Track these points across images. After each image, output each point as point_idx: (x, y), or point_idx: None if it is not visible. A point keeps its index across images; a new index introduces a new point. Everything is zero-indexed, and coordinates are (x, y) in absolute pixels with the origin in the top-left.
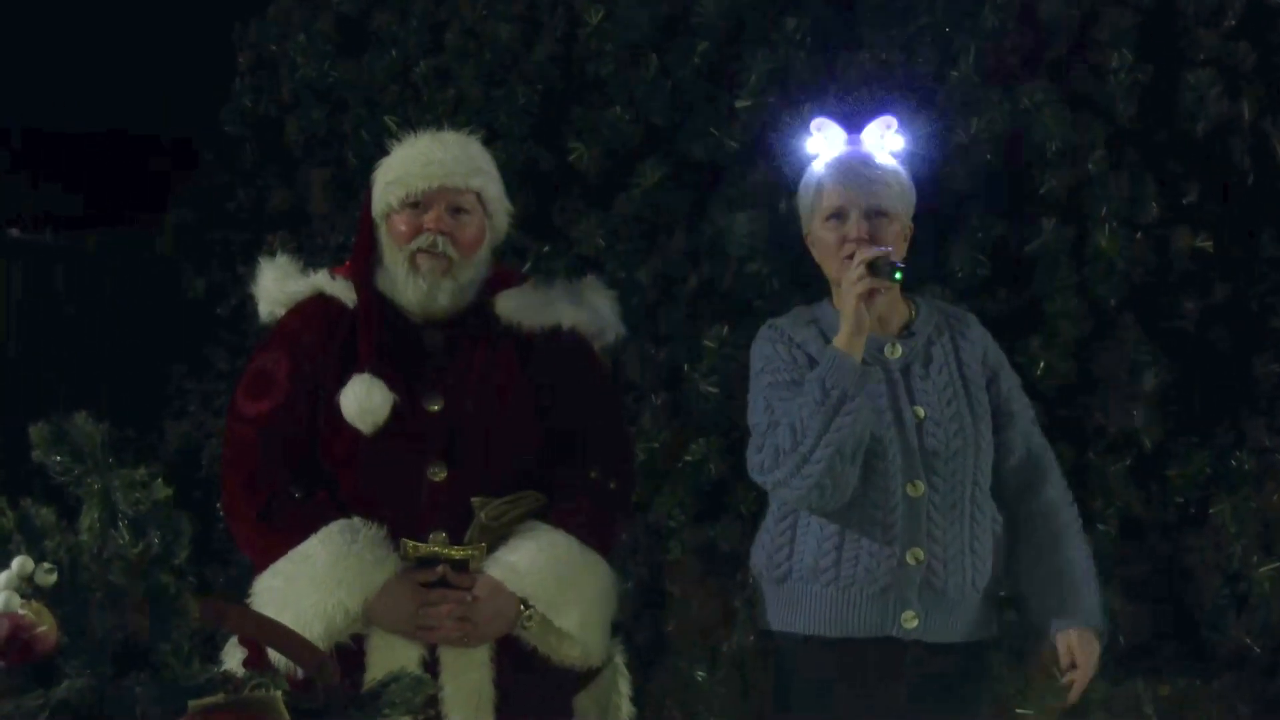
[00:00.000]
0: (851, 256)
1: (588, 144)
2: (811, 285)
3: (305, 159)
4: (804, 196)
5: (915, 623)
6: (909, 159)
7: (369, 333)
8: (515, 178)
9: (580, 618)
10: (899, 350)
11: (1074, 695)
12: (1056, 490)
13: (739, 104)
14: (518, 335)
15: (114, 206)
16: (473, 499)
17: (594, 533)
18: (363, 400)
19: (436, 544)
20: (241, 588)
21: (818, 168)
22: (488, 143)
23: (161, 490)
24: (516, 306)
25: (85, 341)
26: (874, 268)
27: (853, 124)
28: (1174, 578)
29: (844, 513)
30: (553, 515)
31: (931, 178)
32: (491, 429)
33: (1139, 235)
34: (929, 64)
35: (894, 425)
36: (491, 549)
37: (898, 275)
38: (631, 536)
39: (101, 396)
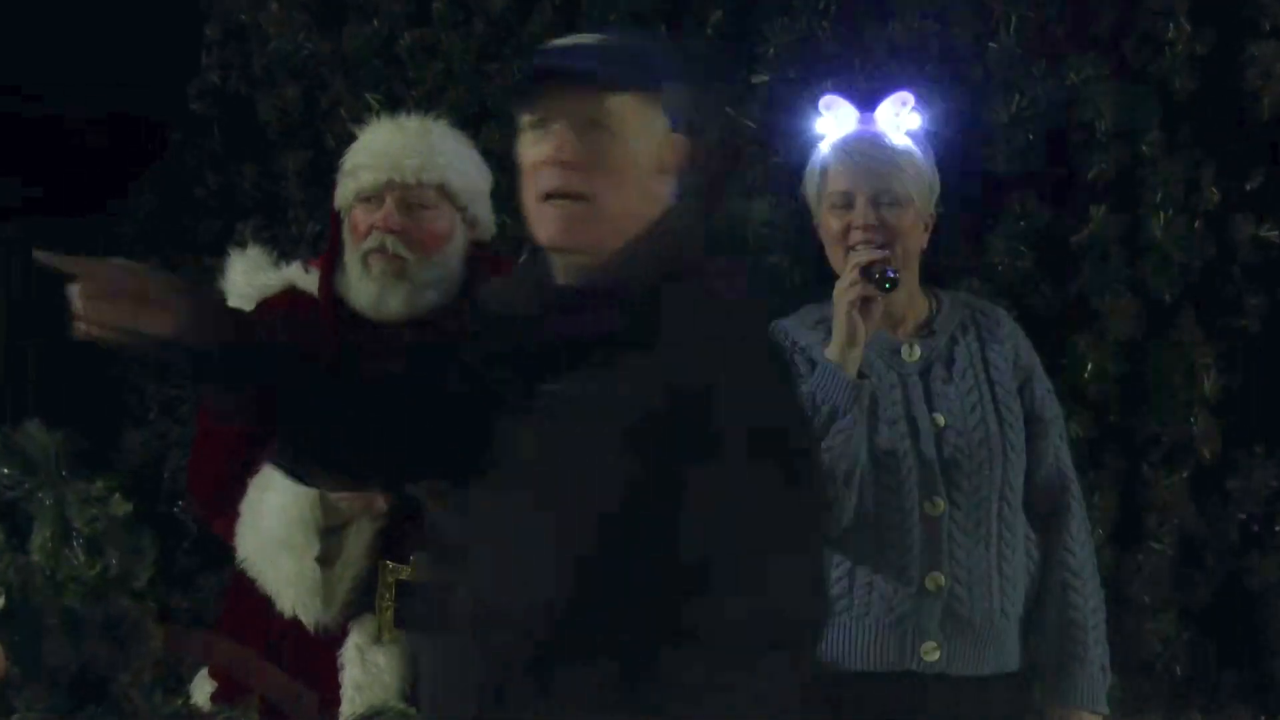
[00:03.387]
0: (856, 249)
1: None
2: (834, 278)
3: (279, 140)
4: (810, 181)
5: (937, 654)
6: (930, 139)
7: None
8: (509, 161)
9: None
10: (917, 351)
11: None
12: (1075, 531)
13: (756, 80)
14: None
15: (67, 193)
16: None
17: None
18: None
19: (417, 565)
20: (209, 612)
21: (824, 149)
22: (479, 122)
23: (120, 506)
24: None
25: (35, 342)
26: (868, 272)
27: (877, 102)
28: (1237, 602)
29: (854, 535)
30: None
31: (968, 160)
32: None
33: (1197, 224)
34: (966, 35)
35: (909, 436)
36: None
37: (888, 286)
38: None
39: (54, 402)
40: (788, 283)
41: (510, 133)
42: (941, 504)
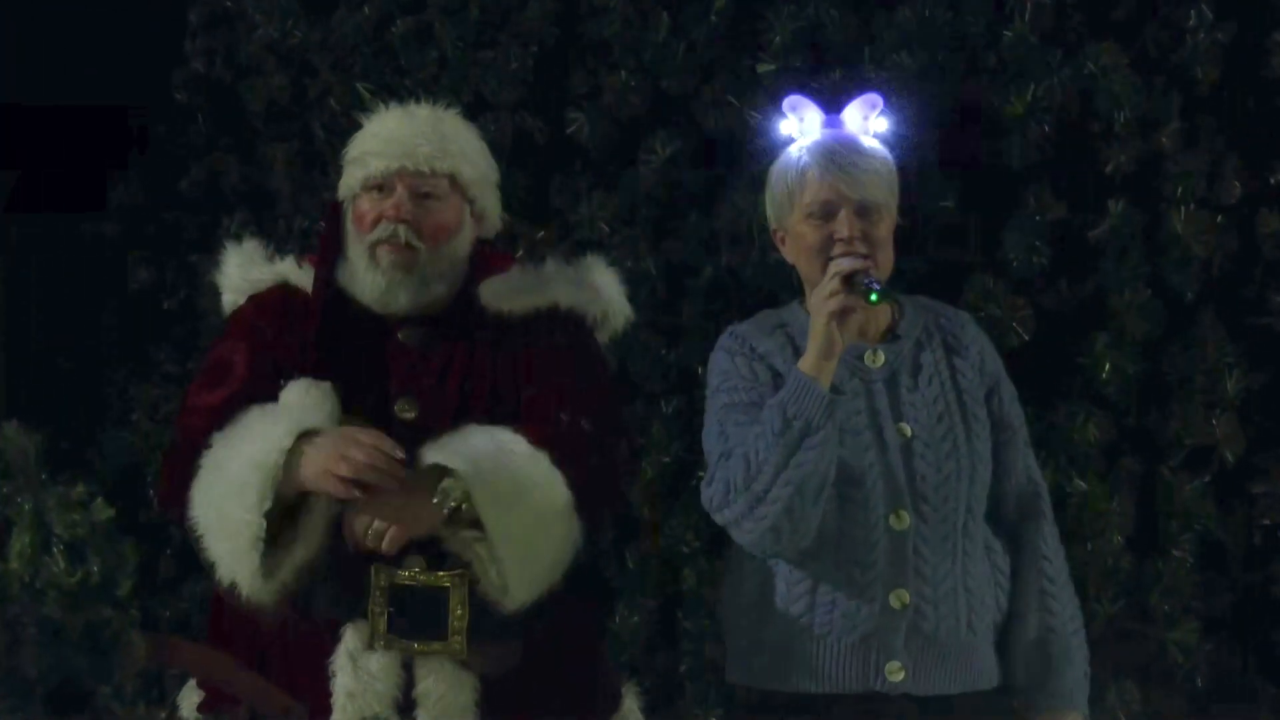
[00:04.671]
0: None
1: (590, 114)
2: None
3: (266, 131)
4: (778, 186)
5: (902, 675)
6: (894, 145)
7: (318, 332)
8: (507, 153)
9: (506, 523)
10: (881, 358)
11: None
12: (1048, 538)
13: (762, 69)
14: (505, 325)
15: (44, 187)
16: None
17: (558, 451)
18: (307, 398)
19: (411, 570)
20: (193, 621)
21: (795, 153)
22: (476, 112)
23: (101, 511)
24: (503, 293)
25: (12, 341)
26: (850, 282)
27: (889, 92)
28: (1260, 611)
29: (817, 550)
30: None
31: (982, 153)
32: None
33: (1219, 218)
34: (979, 23)
35: (874, 447)
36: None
37: (874, 297)
38: (639, 564)
39: (32, 404)
40: (794, 279)
41: (506, 121)
42: (907, 518)
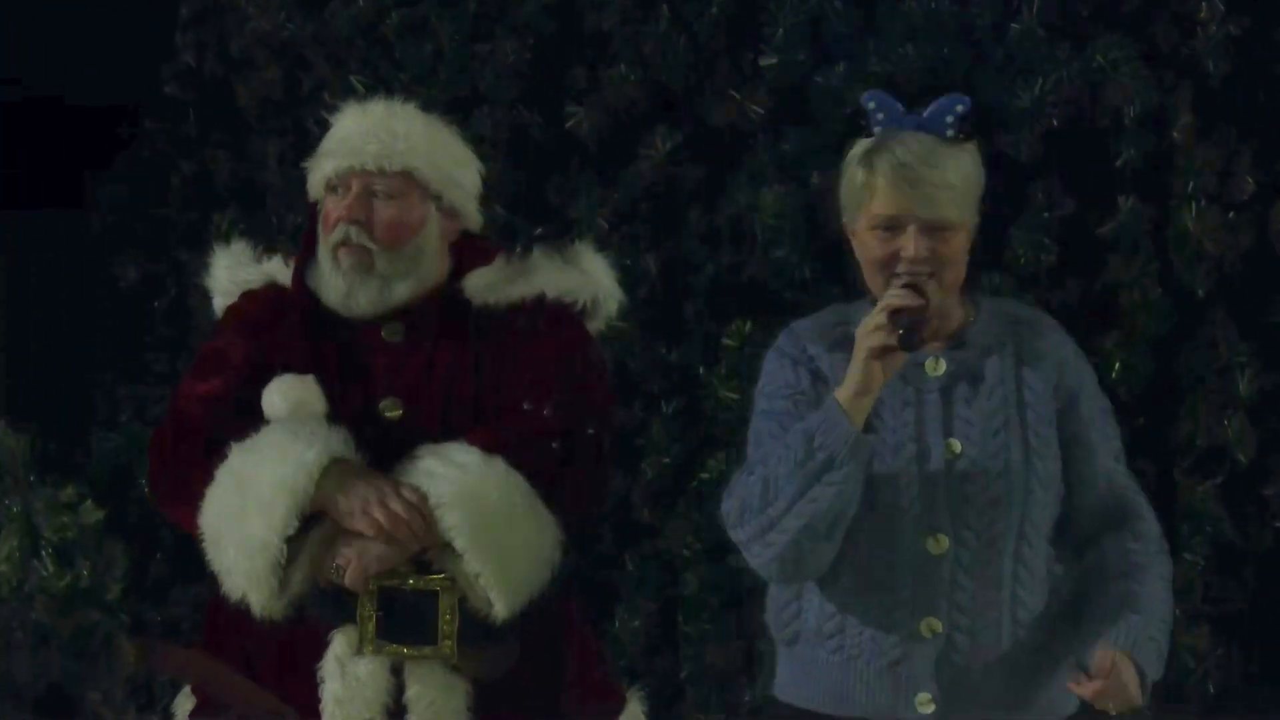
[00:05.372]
0: (895, 284)
1: (588, 109)
2: (849, 273)
3: (258, 126)
4: (849, 183)
5: (931, 707)
6: (978, 149)
7: (299, 336)
8: (503, 148)
9: (475, 539)
10: (943, 366)
11: (1093, 695)
12: (1141, 537)
13: (764, 62)
14: (491, 318)
15: (31, 182)
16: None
17: (513, 452)
18: (289, 399)
19: (399, 573)
20: (184, 626)
21: (865, 154)
22: (472, 107)
23: (91, 513)
24: (488, 284)
25: None
26: (897, 319)
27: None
28: (1273, 614)
29: (849, 567)
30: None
31: (989, 148)
32: (459, 437)
33: (1231, 215)
34: (986, 15)
35: (916, 461)
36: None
37: (909, 348)
38: (638, 568)
39: (20, 405)
40: (798, 277)
41: (502, 116)
42: (945, 541)
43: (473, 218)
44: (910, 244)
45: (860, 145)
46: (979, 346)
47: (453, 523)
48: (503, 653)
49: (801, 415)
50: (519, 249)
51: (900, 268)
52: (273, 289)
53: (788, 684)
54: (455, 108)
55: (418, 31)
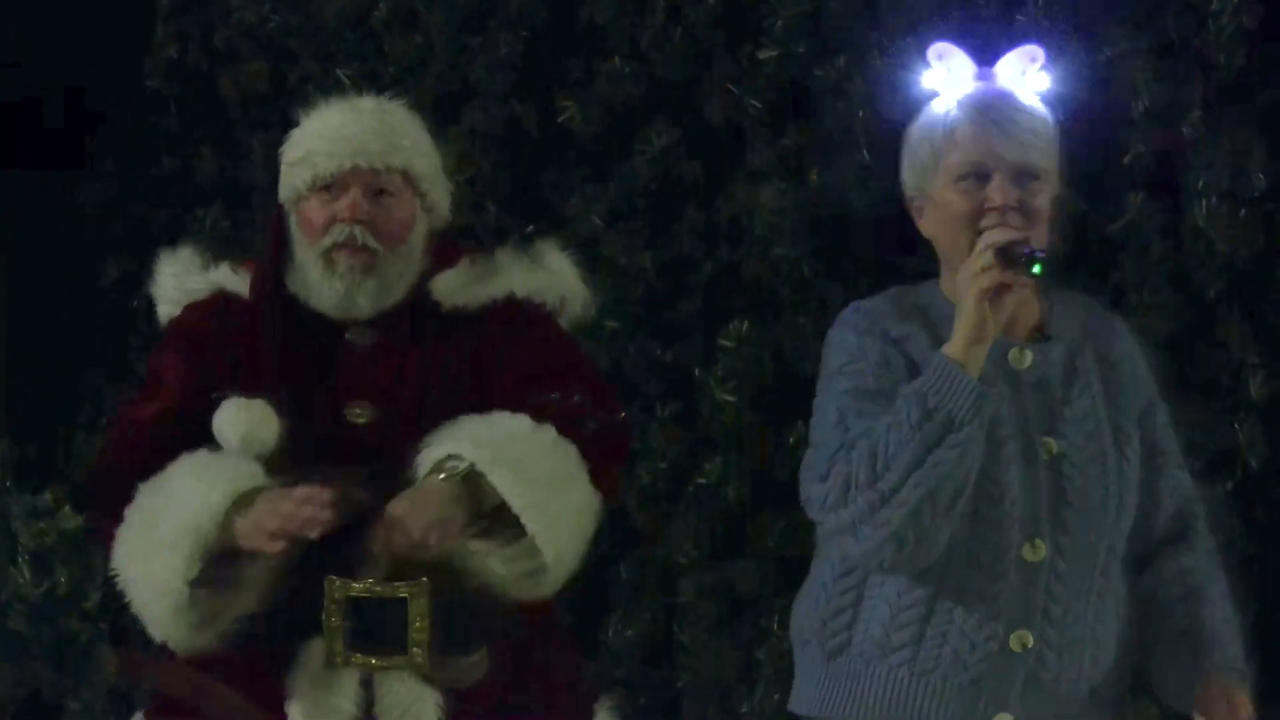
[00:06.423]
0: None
1: (582, 103)
2: (851, 272)
3: (243, 120)
4: (919, 146)
5: None
6: (1056, 105)
7: (262, 342)
8: (495, 143)
9: (527, 492)
10: (1029, 358)
11: None
12: (1198, 554)
13: (762, 55)
14: (460, 320)
15: (9, 177)
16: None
17: (559, 424)
18: (239, 426)
19: (367, 584)
20: None
21: (940, 108)
22: (463, 99)
23: (70, 519)
24: (456, 287)
25: None
26: (1006, 255)
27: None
28: None
29: (936, 572)
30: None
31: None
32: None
33: (1244, 212)
34: (991, 6)
35: (1018, 461)
36: (436, 585)
37: (1037, 268)
38: (634, 574)
39: None
40: (797, 276)
41: (495, 110)
42: (1044, 548)
43: (444, 214)
44: (999, 192)
45: (929, 107)
46: (1063, 340)
47: (503, 476)
48: (475, 661)
49: (895, 392)
50: (484, 249)
51: (987, 220)
52: (220, 298)
53: (823, 698)
54: (446, 102)
55: (407, 23)
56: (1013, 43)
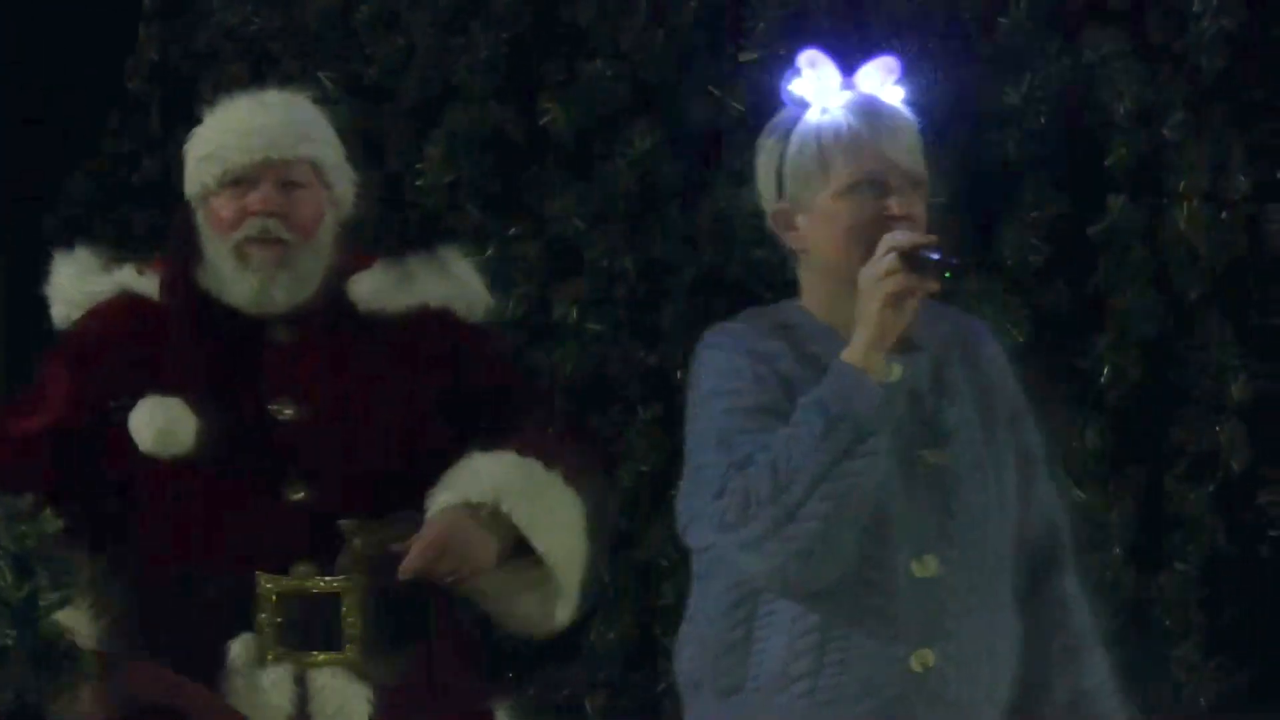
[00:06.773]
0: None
1: (564, 104)
2: None
3: None
4: (802, 154)
5: None
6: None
7: (177, 341)
8: (477, 145)
9: (551, 529)
10: (897, 371)
11: None
12: (1069, 586)
13: (745, 57)
14: (380, 322)
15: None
16: (342, 523)
17: (554, 456)
18: (154, 425)
19: (300, 576)
20: None
21: (820, 118)
22: (445, 101)
23: (51, 522)
24: (374, 290)
25: None
26: (911, 260)
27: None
28: (1267, 627)
29: (828, 595)
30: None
31: (977, 146)
32: (358, 434)
33: (1225, 214)
34: (974, 9)
35: (899, 476)
36: (374, 582)
37: (948, 275)
38: (615, 578)
39: None
40: (779, 279)
41: (476, 112)
42: (933, 563)
43: (348, 208)
44: (897, 203)
45: (803, 117)
46: (930, 350)
47: (523, 513)
48: (408, 657)
49: (776, 408)
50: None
51: (894, 233)
52: (125, 300)
53: None
54: (427, 103)
55: (388, 25)
56: (998, 45)
